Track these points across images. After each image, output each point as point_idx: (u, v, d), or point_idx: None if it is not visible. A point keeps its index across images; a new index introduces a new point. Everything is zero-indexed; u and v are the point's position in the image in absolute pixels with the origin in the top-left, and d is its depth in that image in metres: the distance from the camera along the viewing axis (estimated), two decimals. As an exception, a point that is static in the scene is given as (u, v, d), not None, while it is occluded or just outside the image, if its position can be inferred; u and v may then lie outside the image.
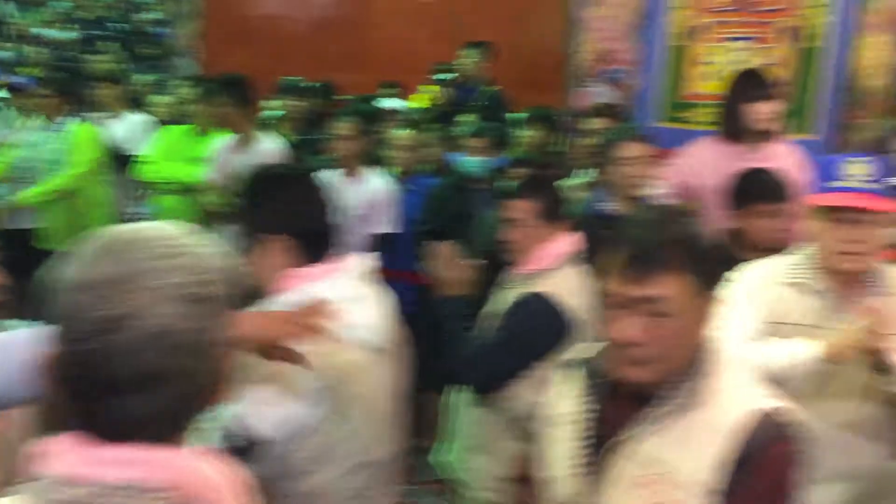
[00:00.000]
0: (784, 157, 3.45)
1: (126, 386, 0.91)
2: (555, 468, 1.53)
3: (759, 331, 2.11)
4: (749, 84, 3.60)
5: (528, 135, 4.46)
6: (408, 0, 7.29)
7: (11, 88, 5.73)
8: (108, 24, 13.55)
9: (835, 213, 2.01)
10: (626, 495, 1.39)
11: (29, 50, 11.72)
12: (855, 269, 2.03)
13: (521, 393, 2.37)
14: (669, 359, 1.36)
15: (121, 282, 0.90)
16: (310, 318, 1.49)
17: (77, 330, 0.90)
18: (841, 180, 2.02)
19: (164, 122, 5.47)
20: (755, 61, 4.28)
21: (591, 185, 3.68)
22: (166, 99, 6.09)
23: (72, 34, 13.08)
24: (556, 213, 2.52)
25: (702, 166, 3.57)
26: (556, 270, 2.43)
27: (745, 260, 2.33)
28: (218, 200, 4.05)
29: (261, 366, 1.51)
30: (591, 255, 1.46)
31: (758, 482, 1.32)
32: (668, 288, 1.32)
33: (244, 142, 4.28)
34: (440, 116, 5.07)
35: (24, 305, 1.50)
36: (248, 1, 7.54)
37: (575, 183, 3.77)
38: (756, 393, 1.42)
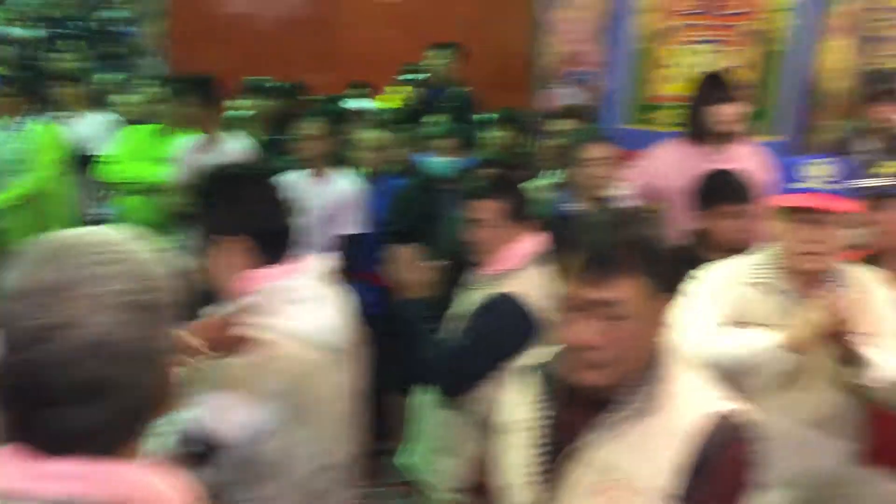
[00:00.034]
0: (748, 159, 3.49)
1: (64, 397, 0.87)
2: (510, 476, 1.51)
3: (722, 327, 2.13)
4: (713, 86, 3.64)
5: (496, 136, 4.46)
6: (377, 0, 7.28)
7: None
8: (73, 23, 13.36)
9: (796, 214, 2.04)
10: (583, 502, 1.38)
11: (-8, 48, 11.54)
12: (816, 269, 2.05)
13: (489, 394, 2.37)
14: (626, 362, 1.36)
15: (59, 289, 0.87)
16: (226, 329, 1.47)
17: (14, 339, 0.87)
18: (803, 181, 2.04)
19: (129, 122, 5.40)
20: (720, 64, 4.32)
21: (557, 186, 3.69)
22: (131, 98, 6.01)
23: (36, 32, 12.89)
24: (522, 213, 2.52)
25: (667, 168, 3.60)
26: (522, 271, 2.43)
27: (711, 260, 2.35)
28: (184, 201, 4.01)
29: (219, 370, 1.49)
30: (557, 256, 1.45)
31: (715, 485, 1.32)
32: (624, 291, 1.32)
33: (210, 142, 4.25)
34: (408, 117, 5.06)
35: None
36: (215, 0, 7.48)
37: (542, 184, 3.78)
38: (712, 396, 1.42)
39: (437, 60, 5.83)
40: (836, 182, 2.03)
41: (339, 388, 1.82)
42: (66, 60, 7.91)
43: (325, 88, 5.94)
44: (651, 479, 1.33)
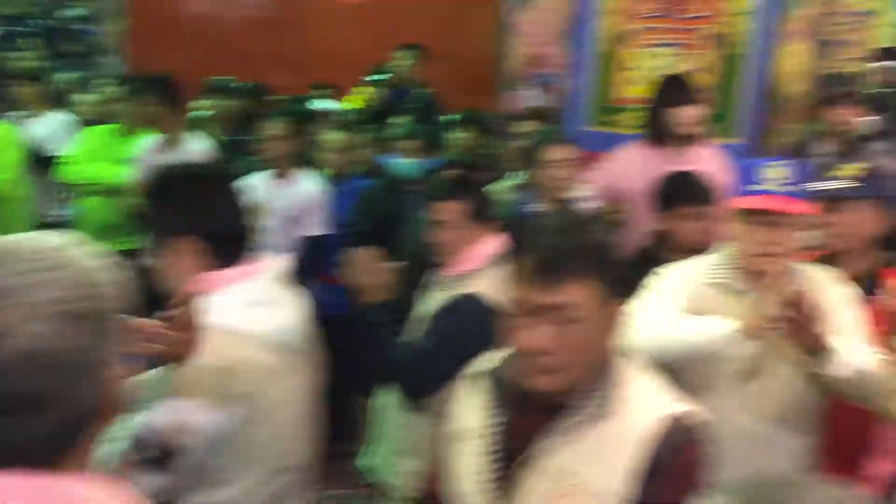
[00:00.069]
0: (708, 161, 3.53)
1: None
2: (463, 484, 1.49)
3: (679, 314, 2.14)
4: (673, 89, 3.69)
5: (460, 137, 4.48)
6: (341, 1, 7.25)
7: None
8: (31, 21, 13.13)
9: (753, 216, 2.06)
10: None
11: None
12: (771, 270, 2.08)
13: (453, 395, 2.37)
14: (578, 366, 1.35)
15: None
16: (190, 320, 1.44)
17: None
18: (759, 184, 2.07)
19: (88, 122, 5.32)
20: (681, 67, 4.37)
21: (520, 188, 3.71)
22: (91, 98, 5.92)
23: (-7, 30, 12.65)
24: (484, 214, 2.53)
25: (630, 169, 3.64)
26: (484, 272, 2.43)
27: (672, 261, 2.37)
28: (142, 202, 3.96)
29: (174, 373, 1.47)
30: (510, 260, 1.44)
31: (670, 488, 1.32)
32: (576, 295, 1.31)
33: (171, 142, 4.21)
34: (373, 118, 5.06)
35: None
36: (176, -2, 7.41)
37: (505, 185, 3.80)
38: (665, 399, 1.42)
39: (402, 62, 5.83)
40: (792, 184, 2.06)
41: (296, 391, 1.80)
42: (25, 59, 7.77)
43: (289, 89, 5.91)
44: (606, 484, 1.33)
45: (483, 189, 2.62)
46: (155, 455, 1.50)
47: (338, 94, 6.57)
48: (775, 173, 2.07)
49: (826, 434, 2.22)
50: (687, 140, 3.61)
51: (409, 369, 2.42)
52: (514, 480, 1.39)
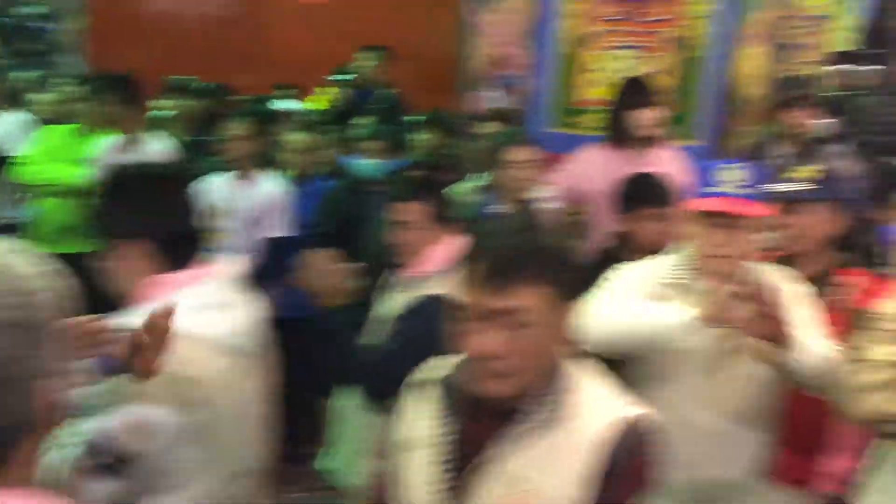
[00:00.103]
0: (669, 163, 3.57)
1: None
2: (414, 495, 1.46)
3: (638, 301, 2.15)
4: (633, 91, 3.72)
5: (424, 138, 4.48)
6: (304, 1, 7.22)
7: None
8: (-12, 18, 12.89)
9: (710, 218, 2.08)
10: None
11: None
12: (728, 271, 2.10)
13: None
14: (530, 371, 1.34)
15: None
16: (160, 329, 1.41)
17: None
18: (716, 186, 2.10)
19: (46, 121, 5.24)
20: (642, 69, 4.42)
21: (483, 189, 3.73)
22: (49, 97, 5.83)
23: (-53, 27, 12.40)
24: (446, 215, 2.53)
25: (592, 171, 3.67)
26: (446, 273, 2.44)
27: (633, 262, 2.39)
28: (95, 204, 3.91)
29: (129, 379, 1.45)
30: (462, 264, 1.42)
31: (623, 493, 1.32)
32: (528, 299, 1.30)
33: (131, 142, 4.16)
34: (336, 118, 5.04)
35: None
36: (137, -4, 7.32)
37: (468, 186, 3.81)
38: (618, 402, 1.41)
39: (365, 62, 5.82)
40: (748, 187, 2.09)
41: (251, 394, 1.78)
42: (-20, 57, 7.64)
43: (251, 89, 5.87)
44: (560, 489, 1.32)
45: (445, 190, 2.63)
46: (109, 461, 1.47)
47: (301, 94, 6.54)
48: (732, 176, 2.10)
49: (783, 431, 2.26)
50: (647, 142, 3.65)
51: (374, 371, 2.42)
52: (466, 488, 1.38)
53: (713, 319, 1.97)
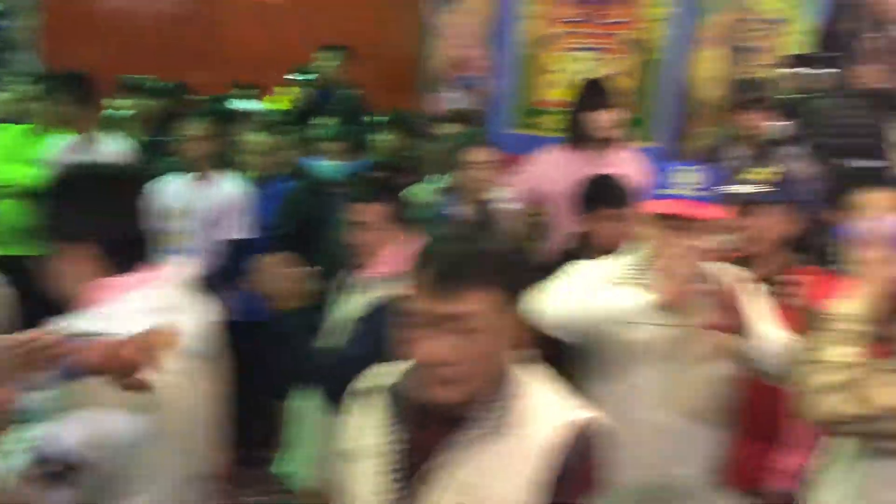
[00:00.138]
0: (627, 164, 3.60)
1: None
2: None
3: (592, 288, 2.16)
4: (592, 93, 3.75)
5: (385, 139, 4.46)
6: (264, -1, 7.17)
7: None
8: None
9: (665, 220, 2.10)
10: None
11: None
12: (682, 273, 2.12)
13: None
14: (479, 377, 1.32)
15: None
16: (158, 345, 1.39)
17: None
18: (671, 188, 2.12)
19: (0, 121, 5.14)
20: (601, 71, 4.45)
21: (444, 190, 3.73)
22: (2, 96, 5.72)
23: None
24: (406, 216, 2.53)
25: (552, 172, 3.69)
26: (405, 275, 2.43)
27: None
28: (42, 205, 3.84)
29: (77, 384, 1.42)
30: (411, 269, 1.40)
31: (574, 496, 1.32)
32: (476, 304, 1.28)
33: (87, 142, 4.09)
34: (297, 119, 5.00)
35: None
36: (93, -7, 7.21)
37: (428, 187, 3.81)
38: (567, 407, 1.40)
39: (325, 62, 5.78)
40: (704, 189, 2.11)
41: (204, 398, 1.76)
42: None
43: (207, 87, 5.80)
44: (510, 496, 1.31)
45: (405, 191, 2.62)
46: (58, 469, 1.44)
47: (262, 93, 6.49)
48: (686, 178, 2.12)
49: (738, 428, 2.28)
50: (606, 143, 3.68)
51: (333, 374, 2.40)
52: (415, 497, 1.36)
53: (670, 304, 1.99)
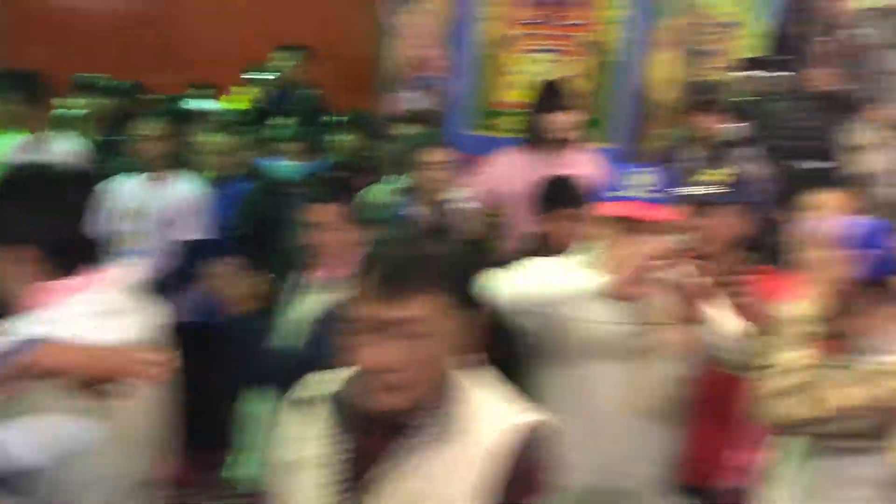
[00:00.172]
0: (584, 165, 3.63)
1: None
2: None
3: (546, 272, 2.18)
4: (548, 95, 3.78)
5: (344, 139, 4.45)
6: (221, -2, 7.10)
7: None
8: None
9: (618, 222, 2.12)
10: None
11: None
12: (635, 274, 2.13)
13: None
14: (424, 383, 1.30)
15: None
16: (151, 359, 1.36)
17: None
18: (625, 190, 2.13)
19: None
20: (559, 72, 4.48)
21: (402, 191, 3.72)
22: (-50, 94, 5.59)
23: None
24: (363, 217, 2.52)
25: (510, 173, 3.71)
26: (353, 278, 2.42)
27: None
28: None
29: (26, 389, 1.39)
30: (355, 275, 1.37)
31: (521, 501, 1.31)
32: (421, 309, 1.26)
33: (37, 142, 4.01)
34: (254, 119, 4.96)
35: None
36: (46, -9, 7.07)
37: (386, 188, 3.80)
38: (512, 410, 1.39)
39: (283, 62, 5.74)
40: (657, 191, 2.13)
41: (151, 403, 1.74)
42: None
43: (164, 87, 5.73)
44: (457, 502, 1.30)
45: (362, 192, 2.62)
46: (3, 476, 1.41)
47: (218, 93, 6.42)
48: (640, 180, 2.14)
49: (691, 426, 2.31)
50: (563, 144, 3.70)
51: (290, 377, 2.38)
52: None
53: (622, 293, 2.01)
